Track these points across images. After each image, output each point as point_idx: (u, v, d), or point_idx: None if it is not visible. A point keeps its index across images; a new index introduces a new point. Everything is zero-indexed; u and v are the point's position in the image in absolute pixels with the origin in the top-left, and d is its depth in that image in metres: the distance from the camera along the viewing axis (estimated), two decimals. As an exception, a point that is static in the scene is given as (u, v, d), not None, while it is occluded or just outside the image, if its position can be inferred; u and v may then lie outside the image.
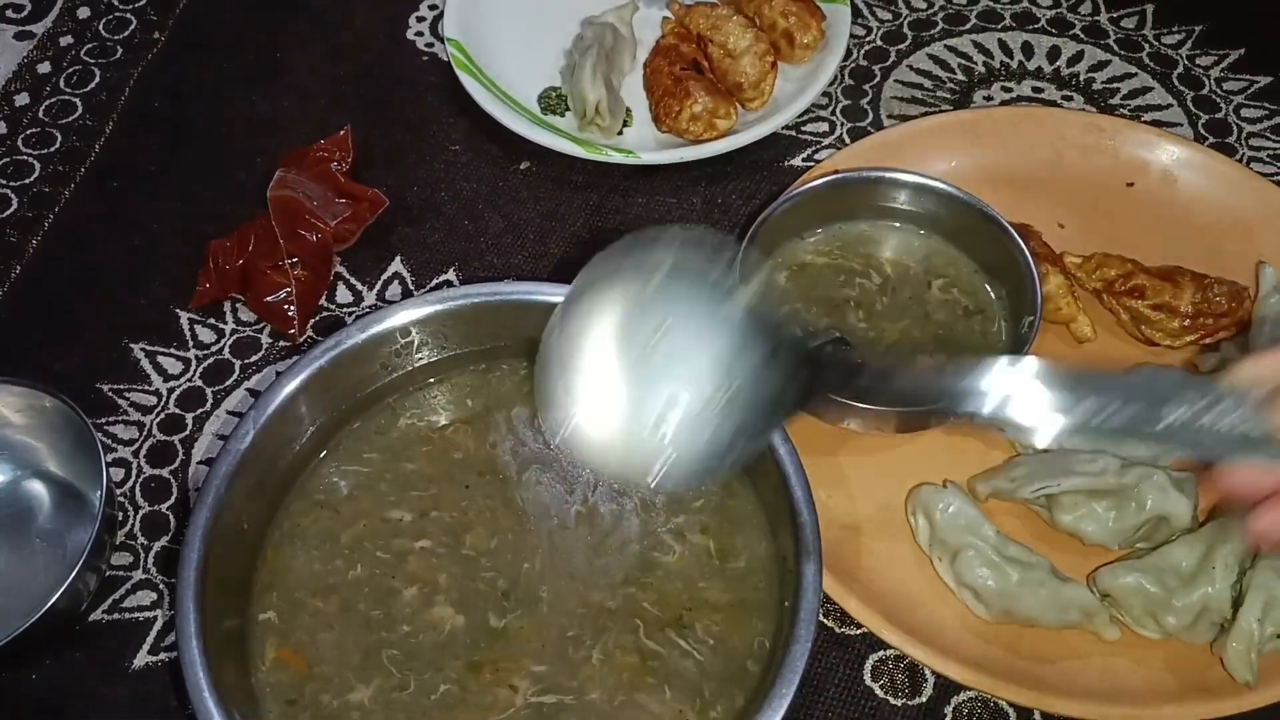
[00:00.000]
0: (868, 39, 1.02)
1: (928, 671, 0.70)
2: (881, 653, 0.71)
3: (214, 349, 0.84)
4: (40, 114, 0.98)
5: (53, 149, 0.96)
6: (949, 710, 0.69)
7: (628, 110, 0.95)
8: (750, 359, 0.52)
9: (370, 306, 0.86)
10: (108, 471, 0.72)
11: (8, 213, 0.92)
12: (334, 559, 0.68)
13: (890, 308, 0.80)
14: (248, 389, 0.83)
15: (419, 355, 0.73)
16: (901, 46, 1.01)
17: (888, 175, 0.82)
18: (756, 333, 0.52)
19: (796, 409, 0.54)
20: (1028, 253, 0.77)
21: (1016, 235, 0.77)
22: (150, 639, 0.73)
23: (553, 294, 0.71)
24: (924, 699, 0.69)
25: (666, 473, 0.53)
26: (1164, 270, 0.80)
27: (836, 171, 0.84)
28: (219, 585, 0.62)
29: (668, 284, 0.53)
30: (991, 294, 0.80)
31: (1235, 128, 0.95)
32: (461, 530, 0.69)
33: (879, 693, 0.69)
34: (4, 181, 0.94)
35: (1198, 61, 1.00)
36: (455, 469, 0.71)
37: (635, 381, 0.53)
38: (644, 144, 0.93)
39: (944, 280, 0.81)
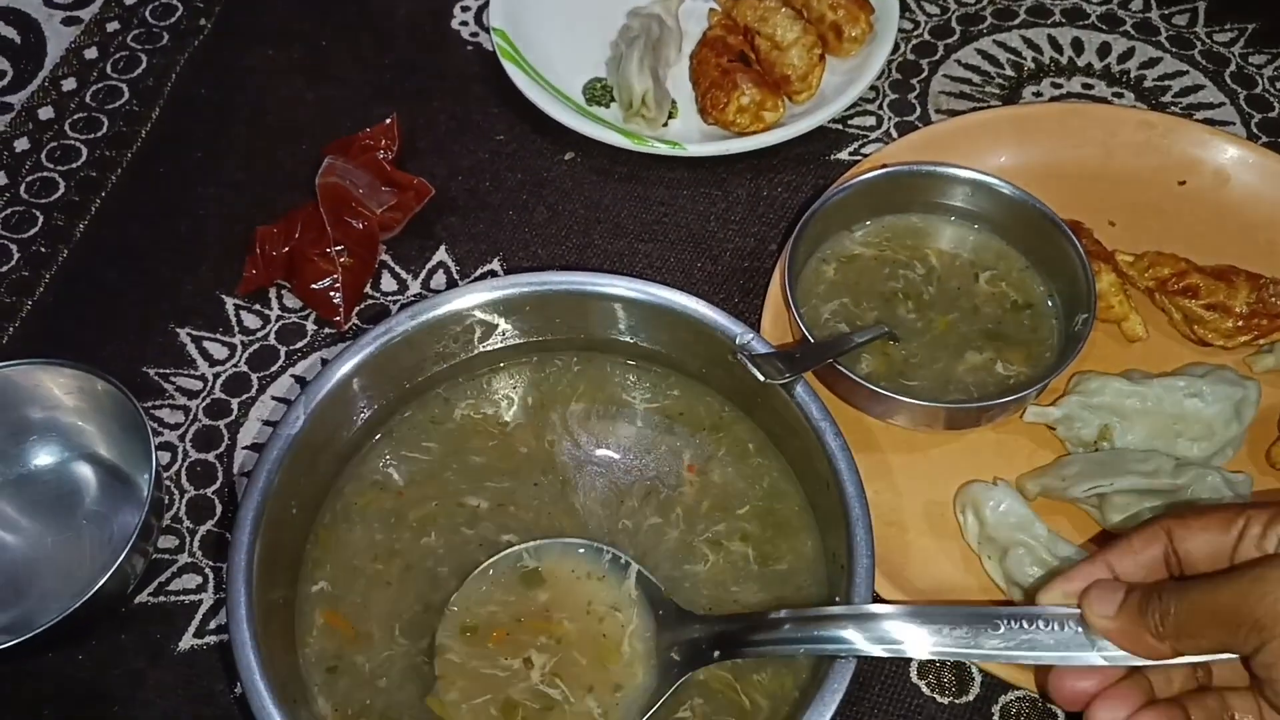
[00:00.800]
0: (915, 33, 1.01)
1: (975, 670, 0.69)
2: (928, 650, 0.70)
3: (260, 335, 0.85)
4: (87, 99, 0.99)
5: (100, 134, 0.97)
6: (996, 710, 0.68)
7: (673, 102, 0.95)
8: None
9: (415, 295, 0.86)
10: (156, 455, 0.72)
11: (55, 197, 0.93)
12: (401, 530, 0.69)
13: (937, 298, 0.79)
14: (293, 375, 0.83)
15: (472, 345, 0.73)
16: (950, 41, 1.01)
17: (940, 169, 0.81)
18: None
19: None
20: (1081, 249, 0.76)
21: (1070, 232, 0.77)
22: (196, 622, 0.73)
23: (603, 285, 0.71)
24: (971, 697, 0.68)
25: None
26: (1218, 269, 0.79)
27: (886, 165, 0.83)
28: (268, 567, 0.63)
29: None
30: (1041, 289, 0.79)
31: (1289, 127, 0.94)
32: (535, 526, 0.69)
33: (926, 690, 0.69)
34: (51, 166, 0.95)
35: (1250, 60, 0.98)
36: (522, 464, 0.71)
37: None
38: (689, 136, 0.93)
39: (992, 273, 0.80)
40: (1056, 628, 0.56)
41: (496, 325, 0.72)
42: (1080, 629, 0.55)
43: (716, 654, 0.61)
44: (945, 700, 0.68)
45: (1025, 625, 0.56)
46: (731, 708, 0.63)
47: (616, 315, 0.72)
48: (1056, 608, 0.56)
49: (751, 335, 0.68)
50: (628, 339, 0.73)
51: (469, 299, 0.70)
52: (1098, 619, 0.54)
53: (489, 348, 0.74)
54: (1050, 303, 0.79)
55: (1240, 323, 0.78)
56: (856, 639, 0.57)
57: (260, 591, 0.61)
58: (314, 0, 1.06)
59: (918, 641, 0.56)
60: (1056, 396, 0.76)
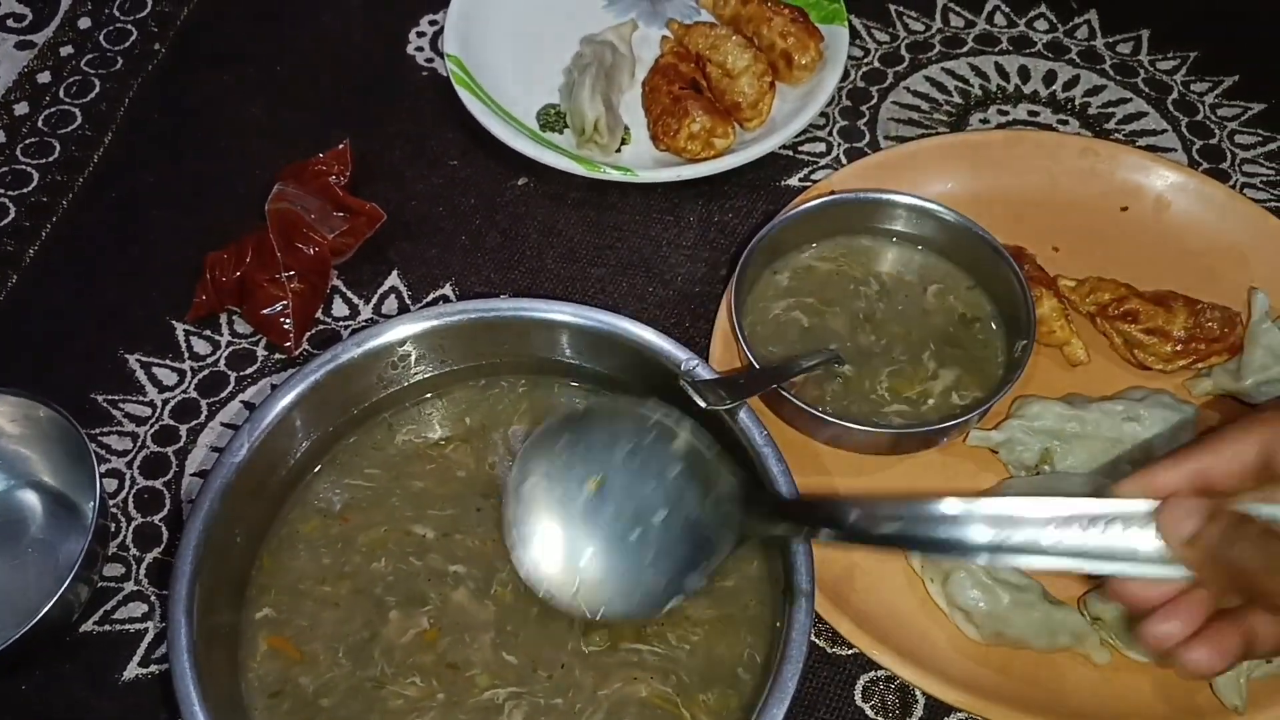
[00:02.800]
0: (865, 60, 1.03)
1: (918, 693, 0.70)
2: (873, 673, 0.71)
3: (209, 361, 0.85)
4: (39, 123, 0.99)
5: (51, 159, 0.96)
6: (939, 732, 0.69)
7: (626, 128, 0.96)
8: (685, 504, 0.62)
9: (367, 320, 0.87)
10: (101, 483, 0.72)
11: (5, 222, 0.92)
12: (350, 554, 0.69)
13: (888, 313, 0.80)
14: (242, 401, 0.83)
15: (415, 371, 0.73)
16: (899, 69, 1.02)
17: (884, 196, 0.82)
18: (690, 480, 0.63)
19: (733, 548, 0.61)
20: (1021, 275, 0.77)
21: (1010, 258, 0.78)
22: (141, 651, 0.73)
23: (548, 311, 0.72)
24: (914, 720, 0.69)
25: (609, 607, 0.62)
26: (1157, 295, 0.81)
27: (833, 192, 0.84)
28: (210, 595, 0.62)
29: (606, 440, 0.64)
30: (988, 308, 0.80)
31: (1229, 154, 0.96)
32: (480, 555, 0.69)
33: (870, 713, 0.69)
34: (2, 191, 0.94)
35: (1192, 88, 1.00)
36: (462, 489, 0.71)
37: (575, 530, 0.63)
38: (641, 162, 0.94)
39: (939, 287, 0.81)
40: (1133, 528, 0.49)
41: (440, 351, 0.72)
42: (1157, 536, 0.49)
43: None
44: (889, 723, 0.69)
45: (1102, 526, 0.49)
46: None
47: (562, 341, 0.73)
48: (1134, 504, 0.50)
49: (696, 362, 0.69)
50: (574, 363, 0.74)
51: (411, 327, 0.70)
52: (1173, 540, 0.48)
53: (434, 373, 0.74)
54: (994, 323, 0.80)
55: (1179, 347, 0.79)
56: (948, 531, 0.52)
57: (202, 619, 0.61)
58: (269, 26, 1.06)
59: (985, 535, 0.51)
60: (999, 420, 0.77)
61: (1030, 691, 0.68)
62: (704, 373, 0.68)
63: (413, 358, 0.72)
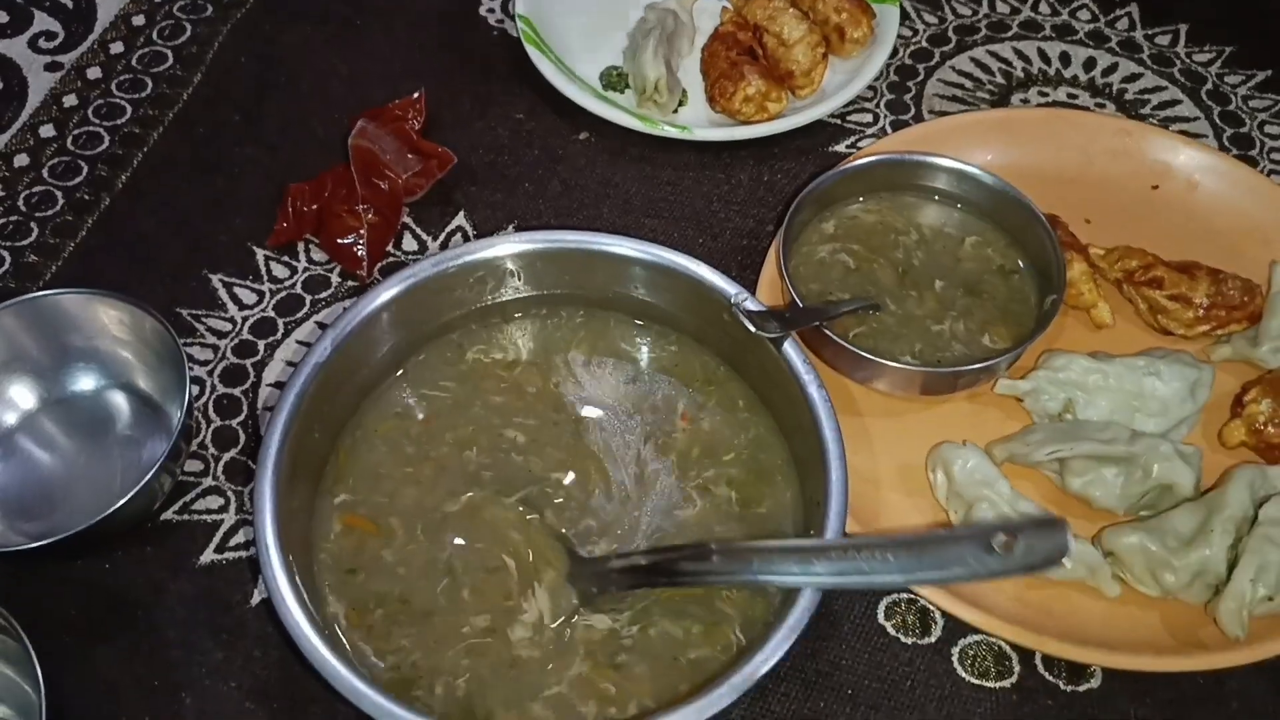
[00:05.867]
0: (914, 39, 1.08)
1: (937, 614, 0.75)
2: (895, 595, 0.76)
3: (287, 284, 0.91)
4: (133, 62, 1.05)
5: (144, 94, 1.03)
6: (955, 650, 0.73)
7: (684, 90, 1.01)
8: None
9: (434, 255, 0.92)
10: (190, 386, 0.78)
11: (99, 149, 0.99)
12: (438, 445, 0.75)
13: (927, 260, 0.86)
14: (316, 322, 0.89)
15: (485, 294, 0.79)
16: (946, 49, 1.07)
17: (928, 158, 0.87)
18: None
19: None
20: (1054, 235, 0.82)
21: (1045, 220, 0.83)
22: (217, 539, 0.78)
23: (613, 245, 0.77)
24: (933, 639, 0.74)
25: None
26: (1182, 264, 0.85)
27: (879, 152, 0.89)
28: (290, 480, 0.68)
29: None
30: (1022, 262, 0.85)
31: (1259, 142, 1.00)
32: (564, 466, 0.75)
33: (891, 631, 0.74)
34: (97, 121, 1.01)
35: (1226, 79, 1.05)
36: (534, 405, 0.77)
37: None
38: (698, 122, 0.99)
39: (977, 239, 0.87)
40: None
41: (511, 277, 0.78)
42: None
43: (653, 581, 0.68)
44: (909, 640, 0.74)
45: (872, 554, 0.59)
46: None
47: (622, 273, 0.78)
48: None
49: (746, 295, 0.74)
50: (631, 295, 0.79)
51: (490, 251, 0.76)
52: None
53: (502, 298, 0.79)
54: (1027, 277, 0.85)
55: (1201, 313, 0.83)
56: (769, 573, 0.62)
57: (283, 501, 0.67)
58: (348, -20, 1.12)
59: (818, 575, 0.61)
60: (1026, 371, 0.81)
61: (1042, 617, 0.72)
62: (753, 305, 0.74)
63: (488, 281, 0.78)
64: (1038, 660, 0.73)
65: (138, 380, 0.83)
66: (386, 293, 0.74)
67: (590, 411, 0.78)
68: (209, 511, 0.80)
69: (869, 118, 1.02)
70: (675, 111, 1.00)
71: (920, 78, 1.05)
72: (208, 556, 0.78)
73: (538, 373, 0.79)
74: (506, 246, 0.76)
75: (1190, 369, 0.79)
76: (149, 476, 0.75)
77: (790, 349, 0.72)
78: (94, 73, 1.04)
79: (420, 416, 0.76)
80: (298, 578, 0.65)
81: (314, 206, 0.91)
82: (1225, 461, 0.79)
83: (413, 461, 0.75)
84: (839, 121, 1.01)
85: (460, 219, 0.95)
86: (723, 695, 0.61)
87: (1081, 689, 0.72)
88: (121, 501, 0.73)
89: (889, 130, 1.01)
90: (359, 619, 0.69)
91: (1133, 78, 1.05)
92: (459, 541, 0.71)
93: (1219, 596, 0.70)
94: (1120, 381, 0.79)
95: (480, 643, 0.68)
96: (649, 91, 0.98)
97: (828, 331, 0.78)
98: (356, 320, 0.73)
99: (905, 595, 0.75)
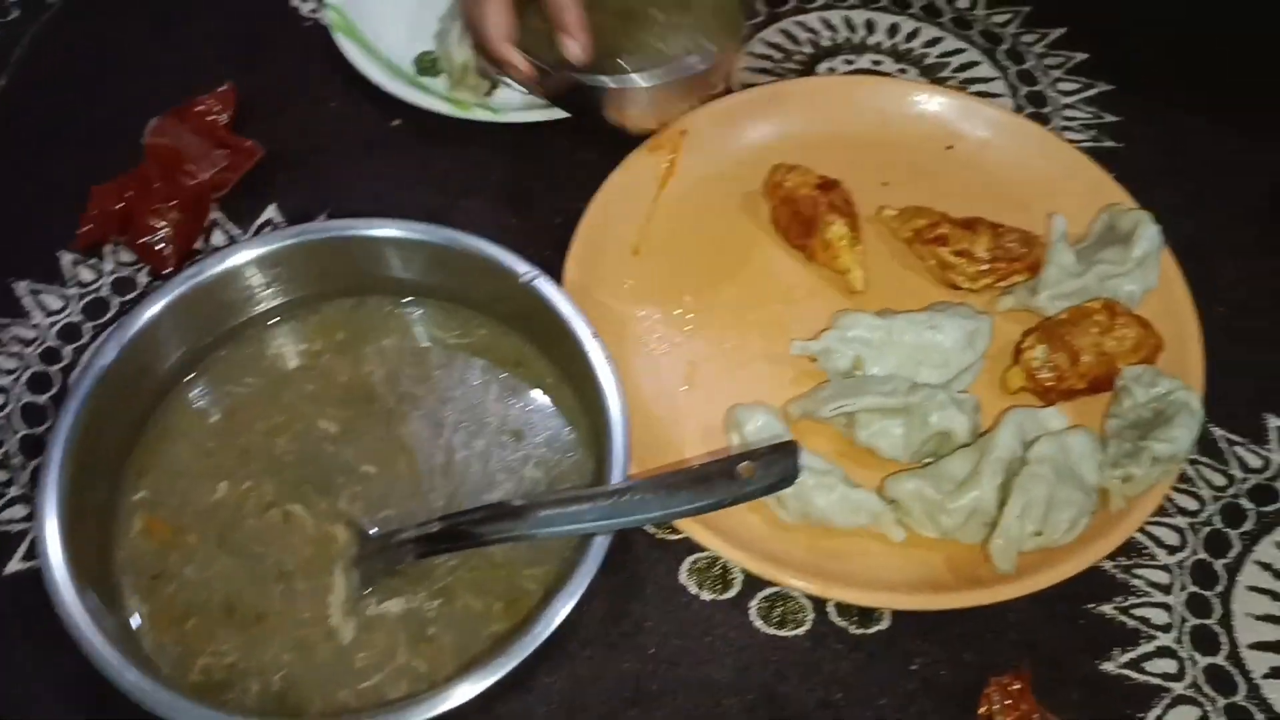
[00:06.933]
0: (725, 13, 1.10)
1: (736, 570, 0.78)
2: (697, 555, 0.78)
3: (93, 286, 0.90)
4: (-68, 67, 1.03)
5: (-56, 101, 1.01)
6: (753, 604, 0.76)
7: (496, 73, 1.02)
8: None
9: (245, 249, 0.92)
10: (-13, 396, 0.78)
11: (-102, 158, 0.97)
12: (249, 435, 0.76)
13: None
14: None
15: (271, 291, 0.79)
16: (755, 21, 1.09)
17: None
18: None
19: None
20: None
21: None
22: (23, 548, 0.78)
23: (373, 229, 0.79)
24: (733, 594, 0.77)
25: None
26: (965, 220, 0.89)
27: (685, 129, 0.92)
28: (79, 480, 0.69)
29: None
30: None
31: (1052, 99, 1.05)
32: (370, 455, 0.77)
33: (693, 589, 0.77)
34: (-105, 130, 0.98)
35: (1022, 39, 1.09)
36: (345, 393, 0.78)
37: None
38: (511, 105, 1.00)
39: None
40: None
41: (288, 273, 0.79)
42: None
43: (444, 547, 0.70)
44: (710, 597, 0.77)
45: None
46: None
47: (392, 258, 0.80)
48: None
49: (536, 273, 0.76)
50: (420, 280, 0.80)
51: (248, 252, 0.77)
52: None
53: (294, 295, 0.80)
54: None
55: (984, 267, 0.87)
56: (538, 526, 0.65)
57: (71, 499, 0.67)
58: (158, -21, 1.11)
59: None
60: (819, 331, 0.85)
61: (833, 565, 0.76)
62: (542, 283, 0.76)
63: (272, 278, 0.78)
64: (830, 607, 0.76)
65: (-64, 393, 0.82)
66: (165, 297, 0.74)
67: (401, 400, 0.79)
68: (14, 521, 0.79)
69: (680, 92, 1.04)
70: (489, 94, 1.01)
71: (731, 51, 1.07)
72: (14, 566, 0.77)
73: (347, 363, 0.80)
74: (274, 243, 0.77)
75: (969, 320, 0.83)
76: (-52, 489, 0.74)
77: (566, 307, 0.75)
78: (-110, 80, 1.02)
79: (219, 413, 0.77)
80: (88, 587, 0.65)
81: (119, 207, 0.91)
82: (1008, 403, 0.83)
83: (213, 455, 0.75)
84: (650, 97, 1.03)
85: (271, 210, 0.95)
86: (509, 658, 0.63)
87: (871, 631, 0.75)
88: (-82, 516, 0.73)
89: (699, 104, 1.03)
90: (166, 624, 0.70)
91: (933, 41, 1.09)
92: (257, 536, 0.72)
93: (991, 533, 0.75)
94: (903, 336, 0.82)
95: (289, 637, 0.70)
96: (458, 75, 0.99)
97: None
98: (139, 324, 0.73)
99: (707, 555, 0.78)
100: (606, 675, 0.73)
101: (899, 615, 0.76)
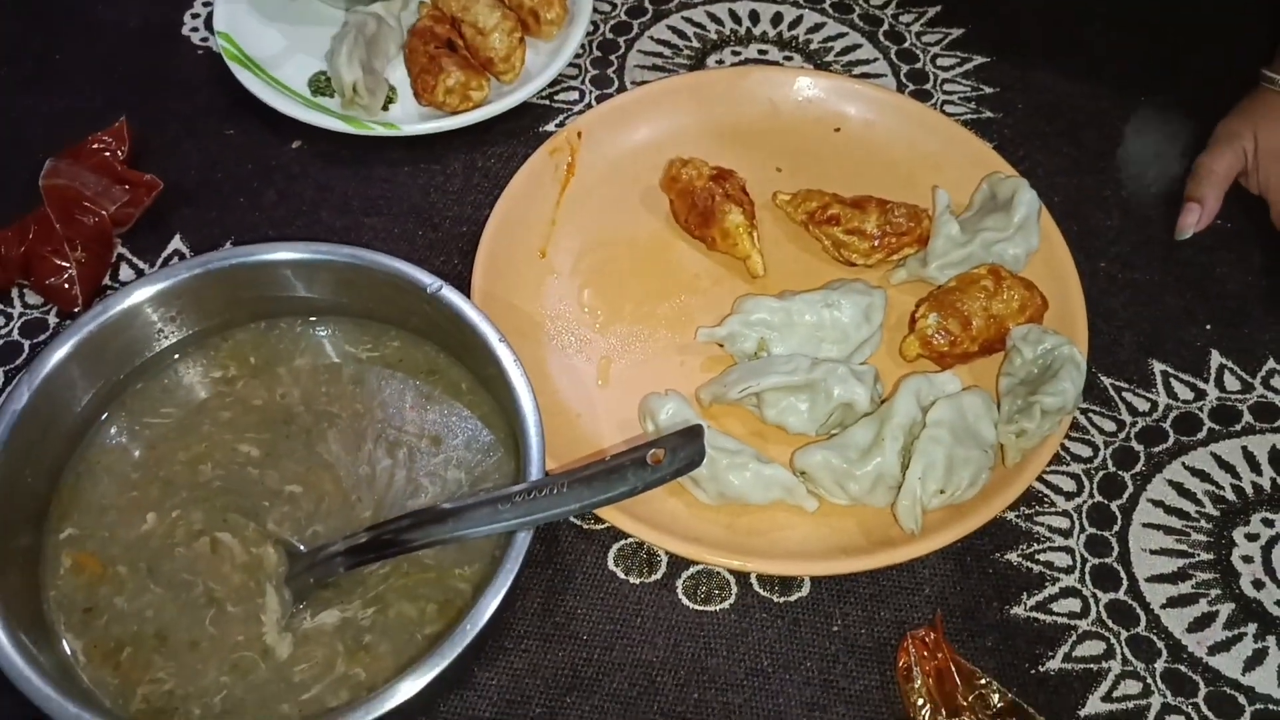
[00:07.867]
0: (613, 14, 1.13)
1: (661, 553, 0.80)
2: (622, 541, 0.81)
3: (2, 332, 0.90)
4: None
5: None
6: (680, 584, 0.79)
7: (391, 88, 1.04)
8: None
9: (154, 283, 0.93)
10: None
11: None
12: (170, 466, 0.77)
13: None
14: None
15: (183, 321, 0.80)
16: (644, 19, 1.12)
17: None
18: None
19: None
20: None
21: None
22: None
23: (287, 254, 0.80)
24: (659, 576, 0.80)
25: None
26: (856, 200, 0.93)
27: (580, 134, 0.94)
28: (3, 524, 0.69)
29: None
30: None
31: (932, 75, 1.09)
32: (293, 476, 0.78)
33: (621, 575, 0.80)
34: None
35: (900, 19, 1.13)
36: (262, 417, 0.79)
37: None
38: (408, 118, 1.02)
39: None
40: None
41: (194, 303, 0.80)
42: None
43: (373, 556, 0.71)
44: (638, 580, 0.80)
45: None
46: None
47: (293, 279, 0.81)
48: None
49: (440, 284, 0.78)
50: (331, 300, 0.82)
51: (151, 287, 0.78)
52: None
53: (206, 324, 0.81)
54: None
55: (875, 242, 0.91)
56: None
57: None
58: (43, 16, 1.10)
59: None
60: (723, 317, 0.88)
61: (752, 540, 0.79)
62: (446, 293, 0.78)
63: (166, 312, 0.79)
64: (752, 580, 0.80)
65: None
66: (72, 338, 0.75)
67: (319, 418, 0.80)
68: (-61, 572, 0.79)
69: (575, 95, 1.06)
70: (385, 110, 1.03)
71: (621, 51, 1.10)
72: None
73: (261, 386, 0.81)
74: (178, 275, 0.78)
75: (863, 295, 0.87)
76: None
77: (473, 315, 0.77)
78: None
79: (140, 446, 0.78)
80: (20, 630, 0.66)
81: (21, 250, 0.90)
82: (907, 369, 0.87)
83: (138, 488, 0.76)
84: (547, 102, 1.05)
85: (177, 242, 0.95)
86: (442, 656, 0.65)
87: (793, 598, 0.79)
88: None
89: (595, 105, 1.05)
90: (101, 657, 0.71)
91: (816, 28, 1.12)
92: (187, 565, 0.73)
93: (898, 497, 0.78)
94: (804, 316, 0.86)
95: (225, 659, 0.71)
96: (349, 94, 1.00)
97: None
98: (49, 366, 0.74)
99: (632, 541, 0.81)
100: (544, 666, 0.76)
101: (818, 581, 0.79)
